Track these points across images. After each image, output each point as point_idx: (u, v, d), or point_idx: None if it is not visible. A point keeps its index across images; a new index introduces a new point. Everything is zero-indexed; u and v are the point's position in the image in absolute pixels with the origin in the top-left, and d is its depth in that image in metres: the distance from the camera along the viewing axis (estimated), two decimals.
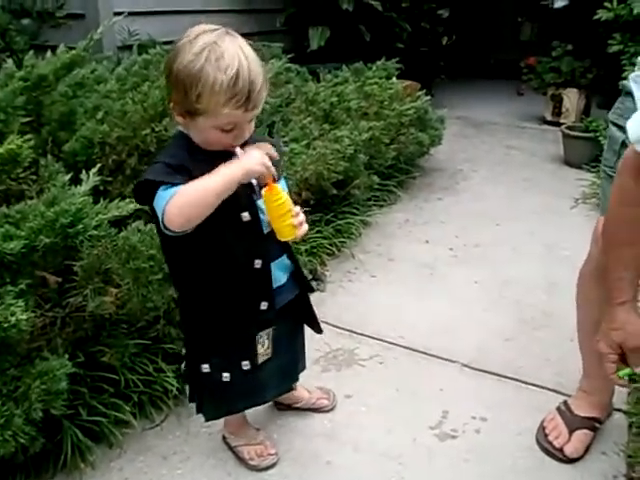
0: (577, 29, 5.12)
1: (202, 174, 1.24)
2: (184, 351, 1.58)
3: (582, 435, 1.74)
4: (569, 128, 4.39)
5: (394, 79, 3.73)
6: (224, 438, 1.77)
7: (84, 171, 1.64)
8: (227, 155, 1.31)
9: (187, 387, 1.70)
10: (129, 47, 3.68)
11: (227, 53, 1.20)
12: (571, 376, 1.95)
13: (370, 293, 2.62)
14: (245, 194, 1.35)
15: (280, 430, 1.83)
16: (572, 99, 5.24)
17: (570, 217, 3.45)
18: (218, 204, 1.23)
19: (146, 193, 1.27)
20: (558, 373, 2.06)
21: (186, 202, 1.22)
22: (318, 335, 1.77)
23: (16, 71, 1.95)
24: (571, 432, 1.74)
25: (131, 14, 3.65)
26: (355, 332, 2.32)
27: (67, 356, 1.48)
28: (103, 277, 1.83)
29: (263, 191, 1.34)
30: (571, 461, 1.70)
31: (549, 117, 5.49)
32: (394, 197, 3.60)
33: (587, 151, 4.22)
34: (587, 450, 1.73)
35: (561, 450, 1.72)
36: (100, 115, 2.02)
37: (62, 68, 1.98)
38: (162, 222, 1.25)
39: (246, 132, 1.30)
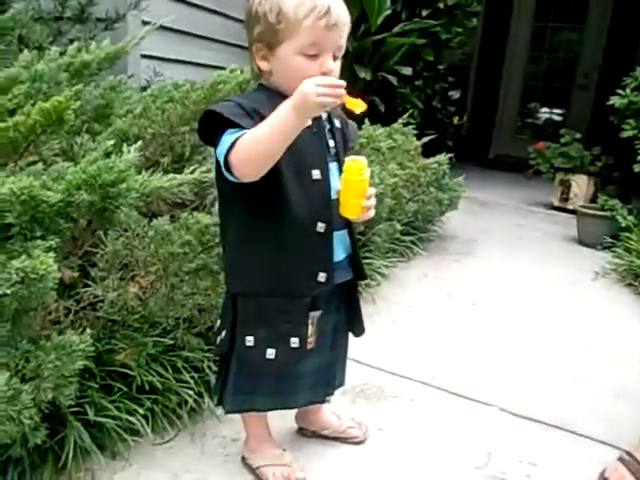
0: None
1: None
2: (219, 324, 1.39)
3: None
4: (584, 207, 4.38)
5: (414, 138, 3.72)
6: (244, 459, 1.55)
7: (125, 145, 1.52)
8: None
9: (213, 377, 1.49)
10: None
11: None
12: (624, 430, 1.80)
13: (394, 336, 2.45)
14: (319, 151, 1.25)
15: (305, 459, 1.61)
16: (581, 185, 5.26)
17: (592, 289, 3.33)
18: (287, 144, 1.11)
19: (211, 128, 1.17)
20: (608, 426, 1.87)
21: (249, 152, 1.11)
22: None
23: (58, 57, 1.87)
24: None
25: (158, 59, 3.68)
26: (383, 369, 2.13)
27: (89, 331, 1.30)
28: (125, 270, 1.67)
29: (347, 159, 1.25)
30: None
31: (556, 203, 5.49)
32: (412, 253, 3.49)
33: (602, 230, 4.17)
34: None
35: None
36: (138, 110, 1.93)
37: (105, 59, 1.91)
38: (224, 168, 1.16)
39: (331, 63, 1.20)
